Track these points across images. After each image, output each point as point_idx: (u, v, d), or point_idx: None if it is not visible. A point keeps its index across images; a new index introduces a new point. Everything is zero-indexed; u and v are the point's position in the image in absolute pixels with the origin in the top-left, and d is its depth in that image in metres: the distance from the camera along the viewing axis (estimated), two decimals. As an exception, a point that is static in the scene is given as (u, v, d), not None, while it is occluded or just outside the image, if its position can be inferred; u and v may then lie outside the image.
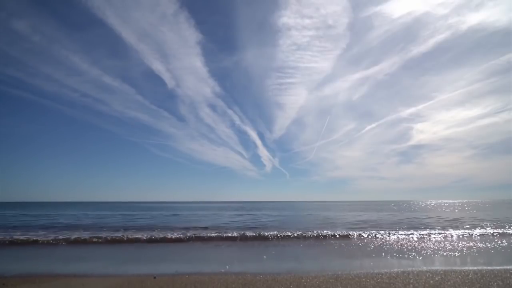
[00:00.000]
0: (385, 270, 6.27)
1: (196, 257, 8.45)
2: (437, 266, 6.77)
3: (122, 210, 43.02)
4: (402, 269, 6.37)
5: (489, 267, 6.57)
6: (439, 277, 5.66)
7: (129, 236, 12.27)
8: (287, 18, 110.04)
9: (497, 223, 18.81)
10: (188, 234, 12.91)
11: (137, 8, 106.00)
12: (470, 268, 6.52)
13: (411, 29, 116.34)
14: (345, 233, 13.13)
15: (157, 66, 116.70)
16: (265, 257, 8.44)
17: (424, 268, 6.46)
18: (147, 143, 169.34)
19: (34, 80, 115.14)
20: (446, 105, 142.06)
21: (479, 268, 6.52)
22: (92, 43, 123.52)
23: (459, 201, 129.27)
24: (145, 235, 12.35)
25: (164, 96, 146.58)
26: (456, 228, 15.97)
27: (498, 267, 6.57)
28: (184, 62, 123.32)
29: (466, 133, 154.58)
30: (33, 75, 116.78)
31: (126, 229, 15.83)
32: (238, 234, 12.84)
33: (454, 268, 6.53)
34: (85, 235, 12.80)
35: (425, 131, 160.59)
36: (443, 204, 77.61)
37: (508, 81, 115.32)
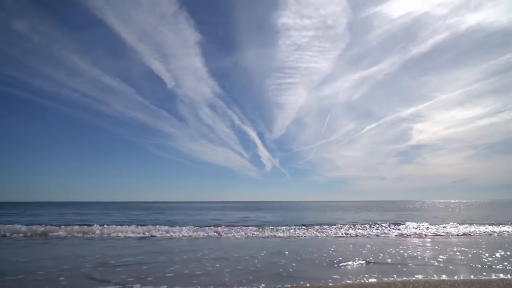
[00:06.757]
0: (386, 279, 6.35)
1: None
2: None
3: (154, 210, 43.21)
4: (401, 280, 6.44)
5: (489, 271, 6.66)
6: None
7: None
8: (286, 18, 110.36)
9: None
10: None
11: (137, 8, 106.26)
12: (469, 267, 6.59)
13: (411, 29, 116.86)
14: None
15: (157, 66, 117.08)
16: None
17: (432, 280, 6.52)
18: (147, 143, 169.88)
19: (34, 80, 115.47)
20: (445, 105, 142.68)
21: (478, 270, 6.60)
22: (92, 43, 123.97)
23: (457, 201, 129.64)
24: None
25: (163, 96, 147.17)
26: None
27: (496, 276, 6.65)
28: (184, 62, 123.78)
29: (466, 133, 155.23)
30: (33, 75, 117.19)
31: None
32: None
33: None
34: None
35: (425, 131, 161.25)
36: (440, 204, 77.73)
37: (507, 81, 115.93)
